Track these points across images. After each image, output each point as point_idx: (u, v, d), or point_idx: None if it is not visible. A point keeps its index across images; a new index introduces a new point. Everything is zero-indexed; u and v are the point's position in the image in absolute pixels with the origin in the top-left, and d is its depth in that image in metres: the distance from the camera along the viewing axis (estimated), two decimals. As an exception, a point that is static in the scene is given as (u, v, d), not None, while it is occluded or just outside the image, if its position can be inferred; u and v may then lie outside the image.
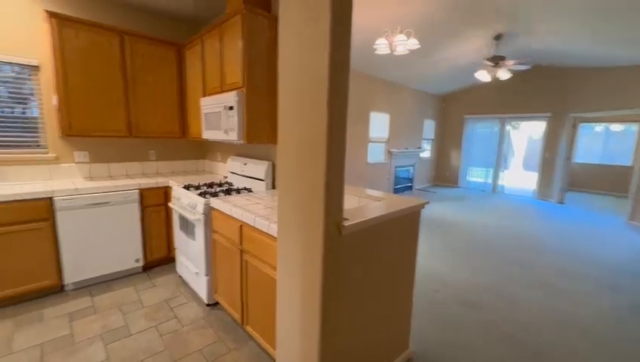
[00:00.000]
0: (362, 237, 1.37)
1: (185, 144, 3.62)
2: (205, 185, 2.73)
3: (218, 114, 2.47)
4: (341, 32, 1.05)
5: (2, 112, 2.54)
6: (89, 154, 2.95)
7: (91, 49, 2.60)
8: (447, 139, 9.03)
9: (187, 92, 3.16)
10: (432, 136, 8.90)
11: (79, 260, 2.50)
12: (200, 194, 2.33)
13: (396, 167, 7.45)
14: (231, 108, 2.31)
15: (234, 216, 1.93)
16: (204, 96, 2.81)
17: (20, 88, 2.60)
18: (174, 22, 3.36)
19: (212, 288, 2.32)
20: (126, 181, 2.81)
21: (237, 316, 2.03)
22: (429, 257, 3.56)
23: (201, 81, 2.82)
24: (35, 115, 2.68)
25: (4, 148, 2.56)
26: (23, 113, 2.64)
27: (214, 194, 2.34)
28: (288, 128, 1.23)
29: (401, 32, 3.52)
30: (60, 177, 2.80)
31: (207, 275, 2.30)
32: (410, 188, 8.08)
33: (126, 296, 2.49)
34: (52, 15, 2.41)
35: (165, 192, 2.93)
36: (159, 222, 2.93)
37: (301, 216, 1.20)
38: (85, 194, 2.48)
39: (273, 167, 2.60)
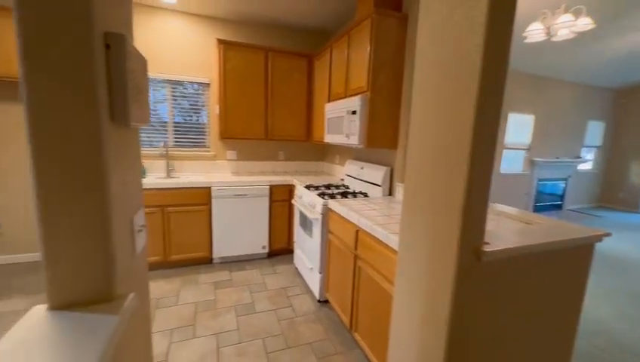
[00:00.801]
0: (507, 268, 1.12)
1: (308, 146, 3.93)
2: (324, 186, 2.87)
3: (340, 118, 2.55)
4: (501, 13, 0.86)
5: (185, 120, 3.37)
6: (237, 153, 3.58)
7: (244, 66, 3.14)
8: (626, 148, 6.72)
9: (314, 99, 3.41)
10: (599, 143, 6.82)
11: (224, 240, 3.06)
12: (319, 195, 2.46)
13: (539, 180, 6.06)
14: (353, 112, 2.34)
15: (350, 219, 1.93)
16: (329, 102, 2.96)
17: (197, 101, 3.39)
18: (306, 35, 3.69)
19: (324, 285, 2.42)
20: (261, 177, 3.26)
21: (345, 320, 2.04)
22: (592, 303, 2.70)
23: (327, 87, 2.99)
24: (204, 122, 3.44)
25: (185, 146, 3.39)
26: (197, 120, 3.43)
27: (332, 196, 2.42)
28: (421, 132, 1.12)
29: (566, 12, 2.79)
30: (215, 171, 3.51)
31: (320, 272, 2.41)
32: (559, 207, 6.43)
33: (254, 277, 2.89)
34: (220, 42, 3.02)
35: (290, 190, 3.25)
36: (283, 216, 3.27)
37: (430, 234, 1.06)
38: (232, 186, 3.00)
39: (391, 172, 2.49)
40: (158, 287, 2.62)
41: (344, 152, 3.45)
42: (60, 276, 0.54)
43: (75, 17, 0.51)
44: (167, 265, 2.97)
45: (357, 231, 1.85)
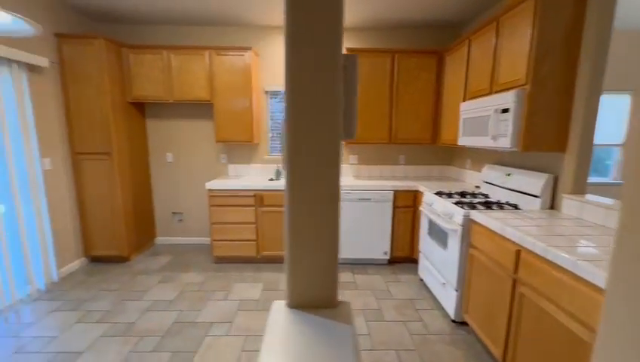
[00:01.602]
0: None
1: (432, 150, 3.67)
2: (457, 193, 2.60)
3: (483, 118, 2.25)
4: None
5: (313, 127, 3.65)
6: (358, 157, 3.65)
7: (371, 71, 3.16)
8: None
9: (443, 99, 3.14)
10: None
11: (346, 241, 3.15)
12: (456, 203, 2.23)
13: None
14: (504, 110, 2.02)
15: (507, 236, 1.66)
16: (465, 100, 2.67)
17: (324, 109, 3.61)
18: (433, 31, 3.44)
19: (461, 305, 2.17)
20: (382, 182, 3.22)
21: (496, 352, 1.76)
22: None
23: (463, 85, 2.70)
24: (329, 128, 3.64)
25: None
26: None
27: (472, 206, 2.16)
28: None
29: None
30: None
31: (456, 290, 2.18)
32: None
33: (377, 282, 2.86)
34: (349, 50, 3.13)
35: (415, 196, 3.09)
36: (406, 222, 3.14)
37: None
38: (357, 190, 3.06)
39: (555, 181, 2.04)
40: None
41: (479, 156, 3.05)
42: (298, 281, 0.61)
43: (330, 42, 0.56)
44: (297, 260, 3.26)
45: (518, 251, 1.57)
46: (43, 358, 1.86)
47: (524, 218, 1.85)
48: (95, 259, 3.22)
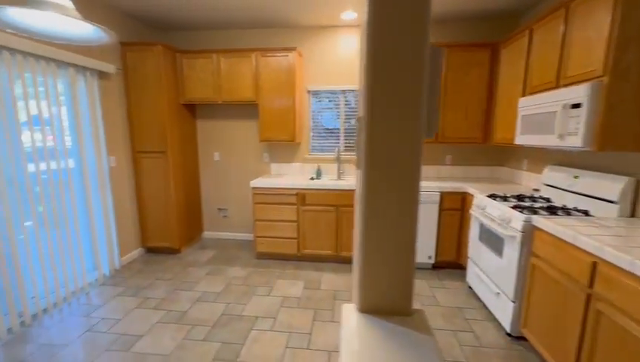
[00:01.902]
0: None
1: (482, 149, 3.44)
2: (513, 196, 2.40)
3: (548, 115, 2.04)
4: None
5: (354, 126, 3.60)
6: (400, 157, 3.53)
7: (417, 68, 3.03)
8: None
9: (497, 94, 2.92)
10: None
11: (389, 244, 3.06)
12: (514, 208, 2.05)
13: None
14: (575, 105, 1.81)
15: (581, 246, 1.48)
16: (524, 95, 2.45)
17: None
18: (486, 22, 3.21)
19: (519, 318, 2.00)
20: (427, 183, 3.08)
21: (563, 372, 1.59)
22: None
23: (522, 79, 2.48)
24: (371, 127, 3.57)
25: (354, 151, 3.62)
26: (365, 126, 3.60)
27: (533, 211, 1.97)
28: None
29: None
30: (380, 174, 3.58)
31: (513, 301, 2.01)
32: None
33: (422, 287, 2.74)
34: (394, 47, 3.03)
35: (463, 198, 2.92)
36: (452, 226, 2.97)
37: None
38: (400, 191, 2.96)
39: (637, 185, 1.79)
40: (332, 280, 2.89)
41: (539, 156, 2.79)
42: (371, 285, 0.59)
43: (416, 30, 0.53)
44: (338, 260, 3.25)
45: (594, 263, 1.40)
46: (109, 338, 2.04)
47: (599, 226, 1.65)
48: (150, 250, 3.48)
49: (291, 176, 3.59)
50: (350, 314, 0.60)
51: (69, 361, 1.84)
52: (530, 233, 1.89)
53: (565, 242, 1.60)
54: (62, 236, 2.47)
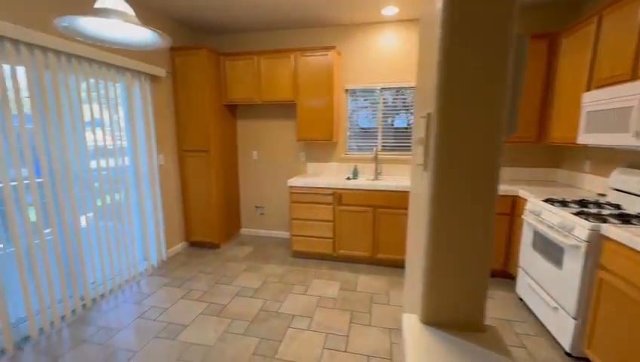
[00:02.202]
0: None
1: (535, 149, 3.16)
2: (574, 202, 2.17)
3: (622, 110, 1.81)
4: None
5: (392, 124, 3.49)
6: (442, 157, 3.36)
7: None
8: None
9: (555, 89, 2.66)
10: None
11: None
12: (577, 214, 1.85)
13: None
14: (658, 100, 1.58)
15: (666, 261, 1.29)
16: (589, 90, 2.20)
17: (412, 105, 3.43)
18: (541, 10, 2.94)
19: (581, 337, 1.80)
20: (473, 185, 2.89)
21: (639, 404, 1.40)
22: None
23: (587, 71, 2.23)
24: (412, 125, 3.44)
25: (393, 150, 3.51)
26: (409, 124, 3.48)
27: (601, 218, 1.76)
28: None
29: None
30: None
31: (574, 318, 1.81)
32: None
33: (465, 295, 2.58)
34: (438, 41, 2.89)
35: (513, 202, 2.70)
36: (501, 232, 2.77)
37: None
38: (442, 193, 2.82)
39: None
40: (369, 282, 2.82)
41: (606, 157, 2.50)
42: (437, 295, 0.55)
43: (500, 17, 0.48)
44: (373, 262, 3.18)
45: (685, 282, 1.20)
46: (158, 326, 2.17)
47: (689, 239, 1.42)
48: (193, 244, 3.66)
49: (328, 175, 3.58)
50: (413, 326, 0.55)
51: (123, 344, 1.99)
52: (597, 243, 1.69)
53: (645, 255, 1.40)
54: (118, 228, 2.68)
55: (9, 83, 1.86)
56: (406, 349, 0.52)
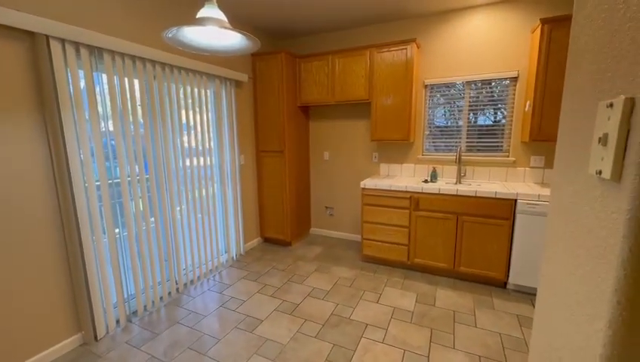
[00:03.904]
0: None
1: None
2: None
3: None
4: None
5: (480, 122, 3.10)
6: (544, 158, 2.85)
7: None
8: None
9: None
10: None
11: (524, 264, 2.50)
12: None
13: None
14: None
15: None
16: None
17: (497, 100, 3.00)
18: None
19: None
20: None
21: None
22: None
23: None
24: (502, 123, 3.00)
25: (479, 151, 3.12)
26: (497, 121, 3.05)
27: None
28: None
29: None
30: (513, 180, 2.97)
31: None
32: None
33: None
34: (545, 21, 2.43)
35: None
36: None
37: None
38: (544, 201, 2.37)
39: None
40: (449, 297, 2.54)
41: None
42: None
43: None
44: (454, 275, 2.86)
45: None
46: (237, 317, 2.30)
47: None
48: (267, 240, 3.84)
49: (402, 177, 3.36)
50: None
51: (208, 330, 2.15)
52: None
53: None
54: (205, 221, 2.94)
55: (128, 94, 2.18)
56: None
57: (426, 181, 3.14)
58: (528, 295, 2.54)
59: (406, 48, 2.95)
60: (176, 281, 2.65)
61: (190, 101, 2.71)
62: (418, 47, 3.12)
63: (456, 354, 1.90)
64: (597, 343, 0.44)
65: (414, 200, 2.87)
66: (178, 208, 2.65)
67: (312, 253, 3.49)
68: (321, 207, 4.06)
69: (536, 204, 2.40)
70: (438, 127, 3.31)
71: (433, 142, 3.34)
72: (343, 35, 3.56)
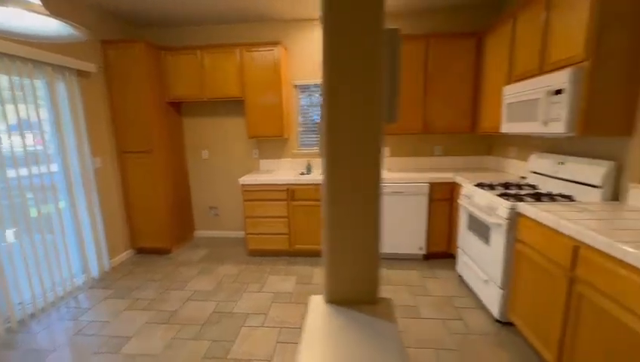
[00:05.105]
0: None
1: (470, 139, 3.45)
2: (500, 184, 2.41)
3: (533, 102, 2.05)
4: None
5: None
6: (390, 149, 3.53)
7: (403, 59, 3.01)
8: None
9: (483, 83, 2.92)
10: None
11: (383, 237, 3.07)
12: (500, 196, 2.06)
13: None
14: (558, 92, 1.82)
15: (563, 231, 1.50)
16: (508, 84, 2.45)
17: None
18: (472, 11, 3.20)
19: (506, 304, 2.02)
20: (417, 174, 3.08)
21: (548, 356, 1.61)
22: None
23: (506, 67, 2.48)
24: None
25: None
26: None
27: (518, 198, 1.98)
28: None
29: None
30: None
31: (501, 288, 2.03)
32: None
33: (412, 278, 2.76)
34: (379, 38, 3.01)
35: (452, 188, 2.93)
36: (442, 216, 2.99)
37: None
38: (390, 183, 2.96)
39: (618, 169, 1.81)
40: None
41: (527, 144, 2.81)
42: (335, 275, 0.58)
43: (372, 21, 0.52)
44: (329, 254, 3.25)
45: (576, 247, 1.41)
46: (98, 341, 2.02)
47: (583, 210, 1.66)
48: (141, 251, 3.45)
49: (281, 171, 3.57)
50: (317, 305, 0.59)
51: (57, 365, 1.82)
52: (515, 220, 1.91)
53: (548, 227, 1.61)
54: (47, 240, 2.43)
55: None
56: (304, 325, 0.55)
57: (302, 173, 3.44)
58: (384, 260, 3.14)
59: (273, 50, 3.13)
60: (6, 320, 2.12)
61: (9, 94, 2.17)
62: (285, 50, 3.35)
63: (325, 319, 2.20)
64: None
65: (291, 192, 3.11)
66: (1, 232, 2.11)
67: (196, 257, 3.33)
68: (204, 208, 3.90)
69: (382, 186, 2.97)
70: (313, 123, 3.64)
71: (308, 138, 3.67)
72: (214, 30, 3.48)
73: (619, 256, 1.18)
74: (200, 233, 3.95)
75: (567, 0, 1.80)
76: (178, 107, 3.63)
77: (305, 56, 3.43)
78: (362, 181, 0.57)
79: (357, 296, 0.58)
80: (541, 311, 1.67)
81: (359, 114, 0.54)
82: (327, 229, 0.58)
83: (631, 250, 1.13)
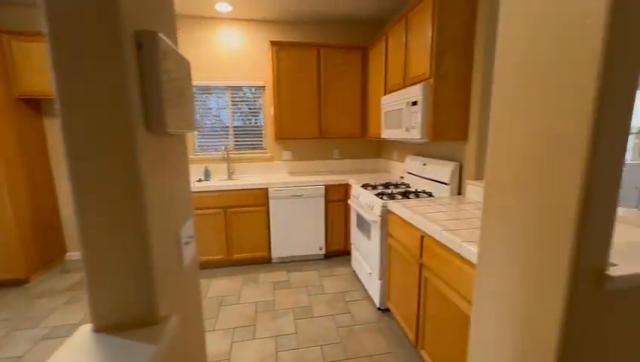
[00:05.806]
0: (643, 299, 0.82)
1: (363, 143, 3.76)
2: (381, 185, 2.68)
3: (399, 111, 2.33)
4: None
5: (244, 123, 3.50)
6: (292, 153, 3.59)
7: (297, 66, 3.10)
8: None
9: (369, 93, 3.22)
10: None
11: (281, 240, 3.08)
12: (377, 195, 2.28)
13: (656, 171, 4.85)
14: (414, 103, 2.11)
15: (414, 224, 1.73)
16: (385, 94, 2.75)
17: (255, 104, 3.48)
18: (360, 26, 3.50)
19: (385, 293, 2.24)
20: (316, 177, 3.20)
21: (411, 335, 1.84)
22: None
23: (383, 78, 2.78)
24: (261, 124, 3.52)
25: (244, 149, 3.51)
26: (255, 123, 3.53)
27: (391, 196, 2.23)
28: (507, 118, 0.89)
29: None
30: (272, 172, 3.57)
31: (380, 279, 2.24)
32: (686, 204, 5.07)
33: (311, 278, 2.84)
34: (273, 43, 3.03)
35: (346, 189, 3.13)
36: (339, 216, 3.17)
37: (523, 249, 0.83)
38: (288, 187, 3.00)
39: (460, 169, 2.19)
40: (222, 285, 2.74)
41: (403, 148, 3.19)
42: (101, 296, 0.52)
43: (103, 17, 0.47)
44: (229, 263, 3.11)
45: (422, 237, 1.64)
46: None
47: (434, 204, 1.95)
48: (-19, 286, 2.71)
49: (175, 179, 3.27)
50: (78, 338, 0.51)
51: None
52: (386, 216, 2.13)
53: (405, 221, 1.84)
54: None
55: None
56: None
57: (200, 180, 3.21)
58: (286, 263, 3.16)
59: (157, 45, 2.84)
60: None
61: None
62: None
63: (214, 334, 2.08)
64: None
65: (183, 201, 2.86)
66: None
67: (63, 284, 2.78)
68: (79, 225, 3.29)
69: (281, 190, 2.99)
70: (207, 127, 3.44)
71: (204, 142, 3.46)
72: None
73: (445, 242, 1.41)
74: (73, 255, 3.32)
75: (419, 25, 2.10)
76: (36, 104, 2.99)
77: (197, 55, 3.23)
78: (115, 186, 0.51)
79: (131, 318, 0.53)
80: (405, 297, 1.90)
81: (101, 120, 0.49)
82: (82, 246, 0.51)
83: (451, 236, 1.36)
